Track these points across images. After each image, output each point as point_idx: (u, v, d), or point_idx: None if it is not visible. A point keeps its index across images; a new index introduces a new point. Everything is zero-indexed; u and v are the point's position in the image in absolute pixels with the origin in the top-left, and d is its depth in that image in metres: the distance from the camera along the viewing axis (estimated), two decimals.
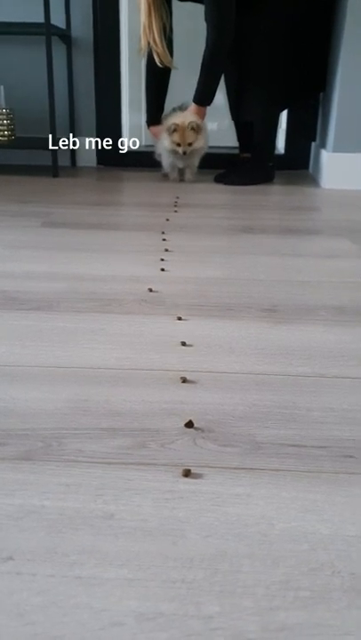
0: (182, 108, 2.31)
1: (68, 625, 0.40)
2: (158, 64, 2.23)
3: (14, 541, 0.48)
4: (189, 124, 2.21)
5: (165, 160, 2.36)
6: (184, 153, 2.25)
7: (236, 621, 0.41)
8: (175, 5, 2.26)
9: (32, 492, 0.54)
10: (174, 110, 2.34)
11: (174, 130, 2.22)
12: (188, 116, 2.24)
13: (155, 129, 2.38)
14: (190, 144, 2.23)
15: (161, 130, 2.30)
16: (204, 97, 2.24)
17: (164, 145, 2.29)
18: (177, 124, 2.21)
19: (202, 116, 2.28)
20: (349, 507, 0.53)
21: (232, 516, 0.51)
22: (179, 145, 2.23)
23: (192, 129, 2.22)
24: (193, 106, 2.26)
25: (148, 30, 2.17)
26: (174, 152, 2.27)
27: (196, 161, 2.35)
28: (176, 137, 2.22)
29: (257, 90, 2.30)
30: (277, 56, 2.25)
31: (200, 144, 2.27)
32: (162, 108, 2.39)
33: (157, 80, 2.33)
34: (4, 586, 0.43)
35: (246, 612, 0.42)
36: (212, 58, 2.16)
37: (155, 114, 2.39)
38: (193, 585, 0.44)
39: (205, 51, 2.15)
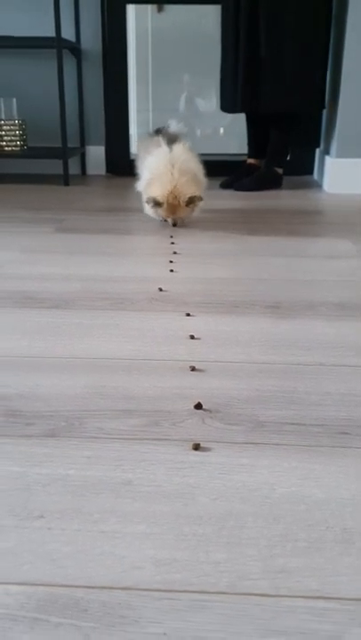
0: (166, 134, 1.76)
1: (95, 568, 0.46)
2: None
3: (43, 503, 0.54)
4: (188, 200, 1.58)
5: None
6: (174, 224, 1.67)
7: (241, 566, 0.47)
8: (179, 8, 2.22)
9: (58, 463, 0.60)
10: (157, 134, 1.78)
11: (156, 204, 1.60)
12: (180, 183, 1.58)
13: None
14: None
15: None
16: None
17: (145, 209, 1.69)
18: (158, 202, 1.58)
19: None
20: (344, 475, 0.58)
21: (237, 482, 0.57)
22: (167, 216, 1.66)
23: (187, 204, 1.59)
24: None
25: None
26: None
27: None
28: (162, 212, 1.63)
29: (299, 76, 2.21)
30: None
31: (196, 212, 1.66)
32: None
33: None
34: (38, 538, 0.49)
35: (250, 559, 0.47)
36: None
37: None
38: (203, 538, 0.50)
39: None
